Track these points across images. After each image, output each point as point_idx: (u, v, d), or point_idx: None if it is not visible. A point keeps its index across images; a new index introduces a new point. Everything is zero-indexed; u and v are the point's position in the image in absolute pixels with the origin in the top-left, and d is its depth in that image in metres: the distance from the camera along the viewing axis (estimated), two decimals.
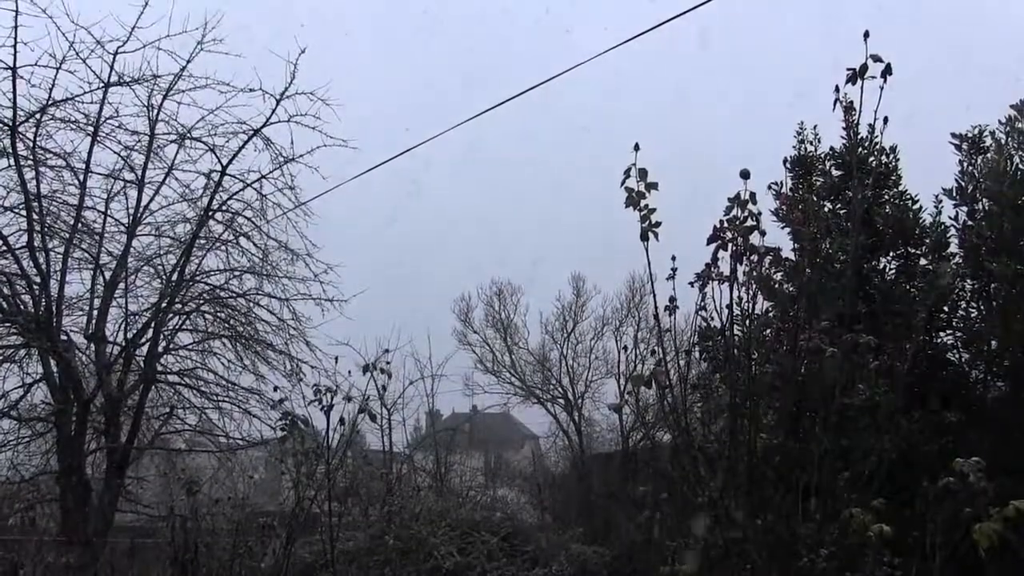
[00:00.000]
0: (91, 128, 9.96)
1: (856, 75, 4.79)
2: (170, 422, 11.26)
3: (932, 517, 4.62)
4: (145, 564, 9.99)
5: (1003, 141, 9.29)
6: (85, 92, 9.79)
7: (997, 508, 4.19)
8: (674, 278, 5.47)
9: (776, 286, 6.16)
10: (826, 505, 5.00)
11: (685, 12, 7.14)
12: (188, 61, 9.96)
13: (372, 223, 26.52)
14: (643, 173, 5.19)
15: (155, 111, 10.25)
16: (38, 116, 9.71)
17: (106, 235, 10.47)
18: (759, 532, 5.10)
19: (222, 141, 10.47)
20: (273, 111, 10.28)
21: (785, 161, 10.10)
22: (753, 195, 5.10)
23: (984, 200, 9.27)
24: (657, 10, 7.51)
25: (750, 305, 5.43)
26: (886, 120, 4.96)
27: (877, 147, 9.08)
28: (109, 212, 10.46)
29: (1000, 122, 9.32)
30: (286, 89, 10.17)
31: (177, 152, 10.56)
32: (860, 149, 8.60)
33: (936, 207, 9.61)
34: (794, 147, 10.37)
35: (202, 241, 10.82)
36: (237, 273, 11.07)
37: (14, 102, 9.45)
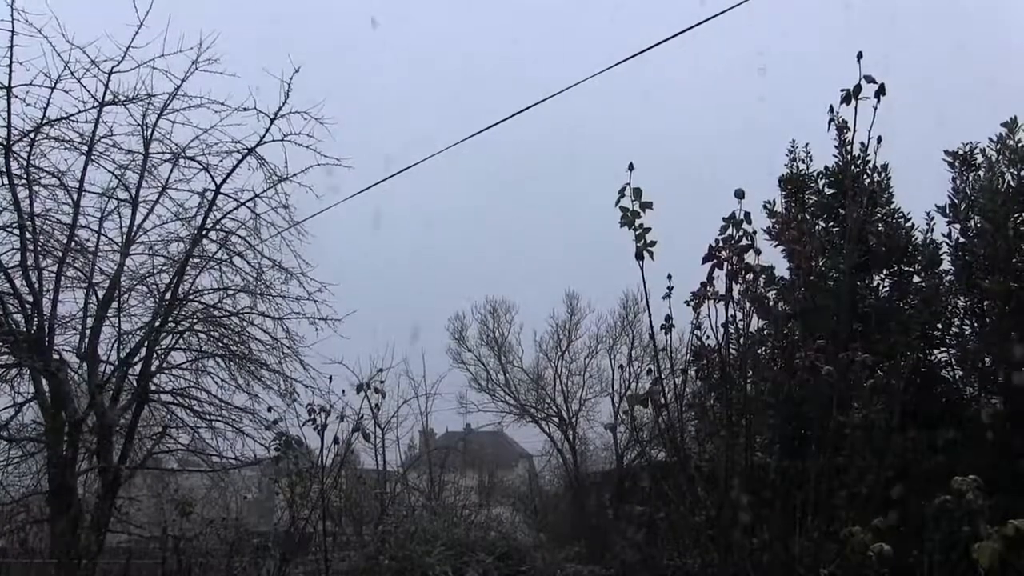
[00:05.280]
0: (85, 147, 9.94)
1: (850, 95, 4.84)
2: (163, 442, 11.17)
3: (930, 536, 4.61)
4: None
5: (994, 158, 9.34)
6: (80, 111, 9.77)
7: (996, 527, 4.19)
8: (670, 297, 5.50)
9: (771, 304, 6.18)
10: (823, 524, 5.00)
11: (682, 31, 7.19)
12: (183, 81, 9.96)
13: (366, 241, 26.53)
14: (638, 193, 5.22)
15: (149, 130, 10.23)
16: (32, 135, 9.68)
17: (99, 254, 10.41)
18: (756, 551, 5.09)
19: (216, 160, 10.45)
20: (267, 130, 10.29)
21: (780, 180, 10.18)
22: (748, 215, 5.13)
23: (976, 217, 9.31)
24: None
25: (745, 324, 5.45)
26: (880, 139, 5.01)
27: (870, 165, 9.12)
28: (103, 231, 10.41)
29: (991, 139, 9.38)
30: (280, 108, 10.19)
31: (171, 171, 10.54)
32: (853, 168, 8.65)
33: (928, 224, 9.66)
34: (786, 165, 10.41)
35: (196, 260, 10.78)
36: (231, 292, 11.02)
37: (8, 121, 9.44)
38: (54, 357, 9.95)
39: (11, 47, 9.12)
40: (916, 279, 9.59)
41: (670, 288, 5.49)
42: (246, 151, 10.40)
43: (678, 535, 5.73)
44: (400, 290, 28.40)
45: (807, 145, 10.33)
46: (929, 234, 9.62)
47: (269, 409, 9.92)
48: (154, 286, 10.85)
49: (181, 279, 10.60)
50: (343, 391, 8.46)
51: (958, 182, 9.52)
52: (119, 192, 10.41)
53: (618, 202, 5.30)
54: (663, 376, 5.61)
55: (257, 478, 13.95)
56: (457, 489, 18.18)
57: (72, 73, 9.51)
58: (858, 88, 4.81)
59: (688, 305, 5.47)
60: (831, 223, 9.76)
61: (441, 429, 22.86)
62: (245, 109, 10.13)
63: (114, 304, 10.35)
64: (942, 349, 9.51)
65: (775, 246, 8.43)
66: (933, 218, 9.61)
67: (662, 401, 5.56)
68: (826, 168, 10.05)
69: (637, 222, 5.29)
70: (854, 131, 5.02)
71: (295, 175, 10.49)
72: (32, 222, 9.87)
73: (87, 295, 10.30)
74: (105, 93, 9.79)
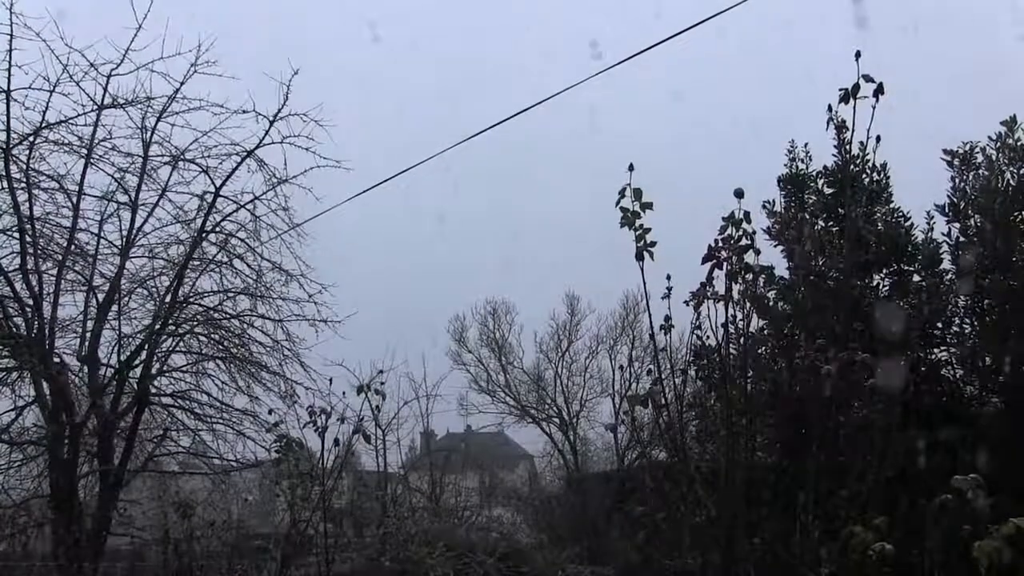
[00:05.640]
0: (85, 150, 9.95)
1: (848, 95, 4.84)
2: (163, 444, 11.19)
3: (930, 535, 4.61)
4: None
5: (994, 157, 9.32)
6: (79, 114, 9.79)
7: (996, 526, 4.18)
8: (669, 297, 5.50)
9: (771, 304, 6.19)
10: (823, 524, 4.99)
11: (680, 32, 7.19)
12: (182, 83, 9.97)
13: (367, 243, 26.54)
14: (638, 193, 5.22)
15: (149, 133, 10.25)
16: (32, 139, 9.69)
17: (99, 257, 10.43)
18: (757, 551, 5.09)
19: (216, 163, 10.48)
20: (266, 132, 10.30)
21: (779, 180, 10.16)
22: (747, 214, 5.13)
23: (976, 216, 9.29)
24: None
25: (745, 324, 5.45)
26: (879, 139, 5.01)
27: (869, 164, 9.11)
28: (102, 234, 10.43)
29: (990, 138, 9.36)
30: (279, 110, 10.20)
31: (171, 174, 10.56)
32: (852, 167, 8.64)
33: (928, 223, 9.65)
34: (785, 165, 10.39)
35: (196, 263, 10.79)
36: (231, 294, 11.03)
37: (8, 125, 9.47)
38: (55, 360, 9.96)
39: (10, 51, 9.15)
40: (916, 278, 9.58)
41: (669, 288, 5.49)
42: (245, 153, 10.42)
43: (679, 535, 5.73)
44: (400, 291, 28.43)
45: (806, 145, 10.32)
46: (929, 233, 9.61)
47: (270, 411, 9.94)
48: (154, 289, 10.88)
49: (181, 282, 10.61)
50: (344, 393, 8.47)
51: (958, 181, 9.51)
52: (119, 195, 10.45)
53: (618, 203, 5.30)
54: (663, 376, 5.61)
55: (258, 480, 13.96)
56: (458, 490, 18.19)
57: (71, 76, 9.54)
58: (856, 87, 4.82)
59: (688, 305, 5.47)
60: (831, 223, 9.73)
61: (442, 430, 22.92)
62: (244, 111, 10.17)
63: (114, 307, 10.37)
64: (942, 348, 9.50)
65: (775, 246, 8.43)
66: (933, 217, 9.60)
67: (662, 401, 5.56)
68: (825, 168, 10.04)
69: (637, 223, 5.29)
70: (853, 130, 5.03)
71: (294, 177, 10.52)
72: (32, 226, 9.88)
73: (87, 298, 10.32)
74: (104, 96, 9.82)
